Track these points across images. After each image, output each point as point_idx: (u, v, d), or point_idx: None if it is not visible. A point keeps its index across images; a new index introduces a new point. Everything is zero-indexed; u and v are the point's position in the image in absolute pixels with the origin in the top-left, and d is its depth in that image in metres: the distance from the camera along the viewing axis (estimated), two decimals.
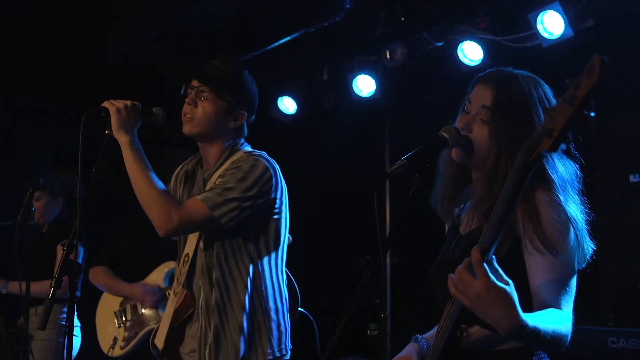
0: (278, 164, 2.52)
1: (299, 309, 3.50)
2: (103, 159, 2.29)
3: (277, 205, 2.48)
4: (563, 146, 1.36)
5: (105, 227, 4.19)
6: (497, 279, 1.40)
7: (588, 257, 1.68)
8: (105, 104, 2.40)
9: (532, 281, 1.63)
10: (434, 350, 1.62)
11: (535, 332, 1.46)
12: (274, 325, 2.44)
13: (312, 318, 3.98)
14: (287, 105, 5.78)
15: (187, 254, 2.54)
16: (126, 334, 3.79)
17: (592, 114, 1.31)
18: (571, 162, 1.72)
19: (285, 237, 2.56)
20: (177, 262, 2.68)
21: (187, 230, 2.48)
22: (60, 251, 4.09)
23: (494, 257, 1.43)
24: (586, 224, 1.69)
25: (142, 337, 3.75)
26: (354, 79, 5.24)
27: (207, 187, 2.46)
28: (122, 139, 2.38)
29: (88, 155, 2.23)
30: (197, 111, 2.47)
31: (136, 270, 3.86)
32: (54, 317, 4.03)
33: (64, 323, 4.04)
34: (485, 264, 1.39)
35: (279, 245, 2.51)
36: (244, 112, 2.53)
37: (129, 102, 2.40)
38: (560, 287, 1.60)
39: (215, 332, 2.40)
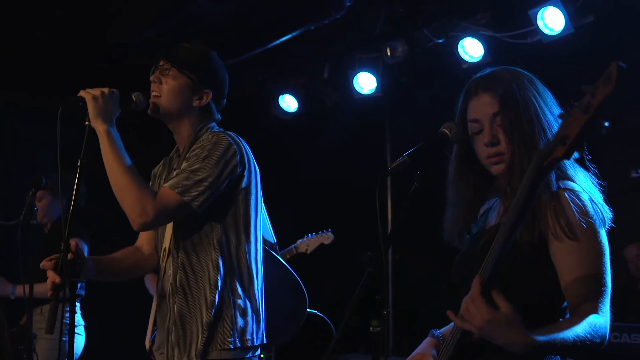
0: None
1: (309, 309, 3.42)
2: (87, 152, 2.21)
3: (244, 183, 2.37)
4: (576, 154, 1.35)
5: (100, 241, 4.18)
6: (498, 305, 1.46)
7: (608, 221, 1.66)
8: (81, 93, 2.29)
9: (562, 280, 1.62)
10: (447, 347, 1.66)
11: (551, 344, 1.49)
12: (238, 313, 2.32)
13: (327, 319, 3.94)
14: (288, 103, 5.79)
15: (165, 247, 2.45)
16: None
17: (607, 124, 1.29)
18: (583, 170, 1.73)
19: (257, 218, 2.44)
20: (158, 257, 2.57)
21: (163, 222, 2.37)
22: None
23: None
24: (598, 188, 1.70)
25: None
26: (355, 77, 5.24)
27: (174, 173, 2.37)
28: (100, 127, 2.27)
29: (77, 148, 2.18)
30: (162, 88, 2.42)
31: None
32: (58, 316, 4.02)
33: (68, 322, 4.05)
34: (482, 295, 1.46)
35: (250, 226, 2.39)
36: (208, 91, 2.45)
37: (105, 89, 2.29)
38: (591, 284, 1.58)
39: (179, 317, 2.32)
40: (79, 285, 3.57)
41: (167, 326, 2.37)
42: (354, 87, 5.27)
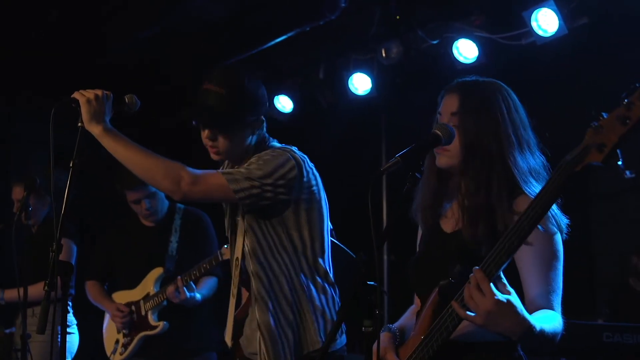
0: None
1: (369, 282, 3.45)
2: (79, 153, 2.21)
3: (306, 197, 2.44)
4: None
5: (90, 240, 4.19)
6: (501, 292, 1.52)
7: (564, 228, 1.77)
8: (75, 94, 2.30)
9: (524, 283, 1.74)
10: (424, 344, 1.71)
11: (542, 332, 1.58)
12: (318, 314, 2.42)
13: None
14: (284, 103, 5.79)
15: (237, 257, 2.54)
16: (124, 339, 3.80)
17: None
18: (538, 153, 1.84)
19: (325, 226, 2.54)
20: (230, 266, 2.69)
21: (200, 193, 2.33)
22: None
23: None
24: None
25: (137, 343, 3.75)
26: (350, 77, 5.25)
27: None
28: (95, 130, 2.28)
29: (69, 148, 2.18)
30: (219, 144, 2.45)
31: (127, 279, 3.86)
32: (50, 317, 4.01)
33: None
34: (489, 281, 1.51)
35: (317, 235, 2.47)
36: (257, 117, 2.50)
37: (99, 92, 2.30)
38: (550, 286, 1.71)
39: (266, 327, 2.40)
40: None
41: (255, 335, 2.44)
42: (349, 88, 5.27)
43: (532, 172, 1.79)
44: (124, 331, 3.79)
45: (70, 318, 4.12)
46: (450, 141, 1.80)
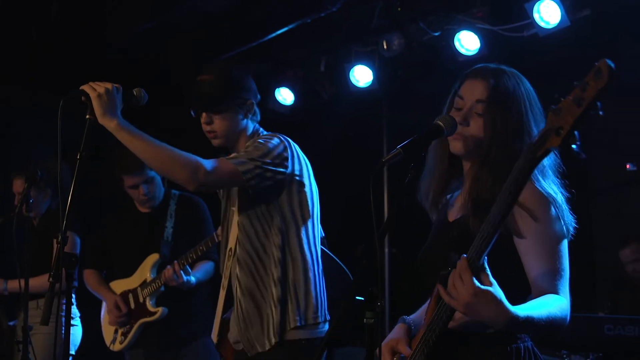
0: None
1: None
2: (87, 146, 2.23)
3: (297, 178, 2.59)
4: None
5: (86, 229, 4.19)
6: (483, 282, 1.52)
7: (571, 230, 1.76)
8: (85, 87, 2.33)
9: (527, 269, 1.72)
10: (426, 334, 1.71)
11: (528, 321, 1.56)
12: (301, 293, 2.54)
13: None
14: (285, 96, 5.78)
15: (230, 248, 2.65)
16: (124, 327, 3.80)
17: (601, 112, 1.38)
18: (555, 178, 1.82)
19: (315, 210, 2.67)
20: (220, 257, 2.81)
21: (215, 182, 2.53)
22: (56, 244, 4.07)
23: (485, 258, 1.53)
24: (566, 203, 1.77)
25: (136, 330, 3.76)
26: (351, 70, 5.23)
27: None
28: (110, 124, 2.32)
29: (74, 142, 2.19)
30: (215, 126, 2.64)
31: (125, 267, 3.87)
32: (54, 309, 4.02)
33: (63, 314, 4.05)
34: (470, 271, 1.51)
35: (308, 218, 2.61)
36: (250, 101, 2.69)
37: (109, 85, 2.34)
38: (553, 270, 1.69)
39: (252, 301, 2.54)
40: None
41: (237, 313, 2.58)
42: (350, 80, 5.26)
43: (550, 166, 1.79)
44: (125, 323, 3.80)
45: (74, 310, 4.13)
46: (453, 132, 1.79)
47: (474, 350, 1.73)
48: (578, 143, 1.41)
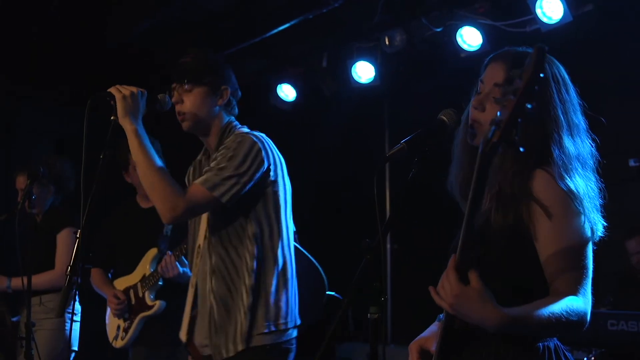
0: (279, 151, 2.60)
1: (328, 292, 3.52)
2: (110, 146, 2.30)
3: (272, 177, 2.53)
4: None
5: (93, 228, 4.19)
6: (470, 282, 1.47)
7: (598, 232, 1.66)
8: (112, 89, 2.41)
9: (544, 269, 1.62)
10: (443, 336, 1.66)
11: (522, 321, 1.50)
12: (271, 300, 2.50)
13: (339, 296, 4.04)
14: (287, 92, 5.78)
15: (199, 245, 2.61)
16: (125, 323, 3.81)
17: (530, 107, 1.33)
18: (588, 139, 1.71)
19: (287, 209, 2.62)
20: (189, 255, 2.77)
21: (192, 215, 2.55)
22: (61, 239, 4.08)
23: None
24: (597, 199, 1.66)
25: (137, 325, 3.75)
26: (353, 66, 5.23)
27: (204, 171, 2.52)
28: (129, 126, 2.40)
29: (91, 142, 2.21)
30: (185, 106, 2.56)
31: (128, 262, 3.87)
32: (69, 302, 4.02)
33: (67, 310, 4.05)
34: (456, 271, 1.47)
35: (280, 217, 2.56)
36: (226, 87, 2.62)
37: (134, 89, 2.42)
38: (571, 270, 1.60)
39: (223, 306, 2.50)
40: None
41: (209, 318, 2.53)
42: (352, 76, 5.25)
43: (579, 158, 1.65)
44: (124, 315, 3.80)
45: (77, 306, 4.14)
46: (457, 126, 1.76)
47: (492, 349, 1.64)
48: (516, 138, 1.34)
